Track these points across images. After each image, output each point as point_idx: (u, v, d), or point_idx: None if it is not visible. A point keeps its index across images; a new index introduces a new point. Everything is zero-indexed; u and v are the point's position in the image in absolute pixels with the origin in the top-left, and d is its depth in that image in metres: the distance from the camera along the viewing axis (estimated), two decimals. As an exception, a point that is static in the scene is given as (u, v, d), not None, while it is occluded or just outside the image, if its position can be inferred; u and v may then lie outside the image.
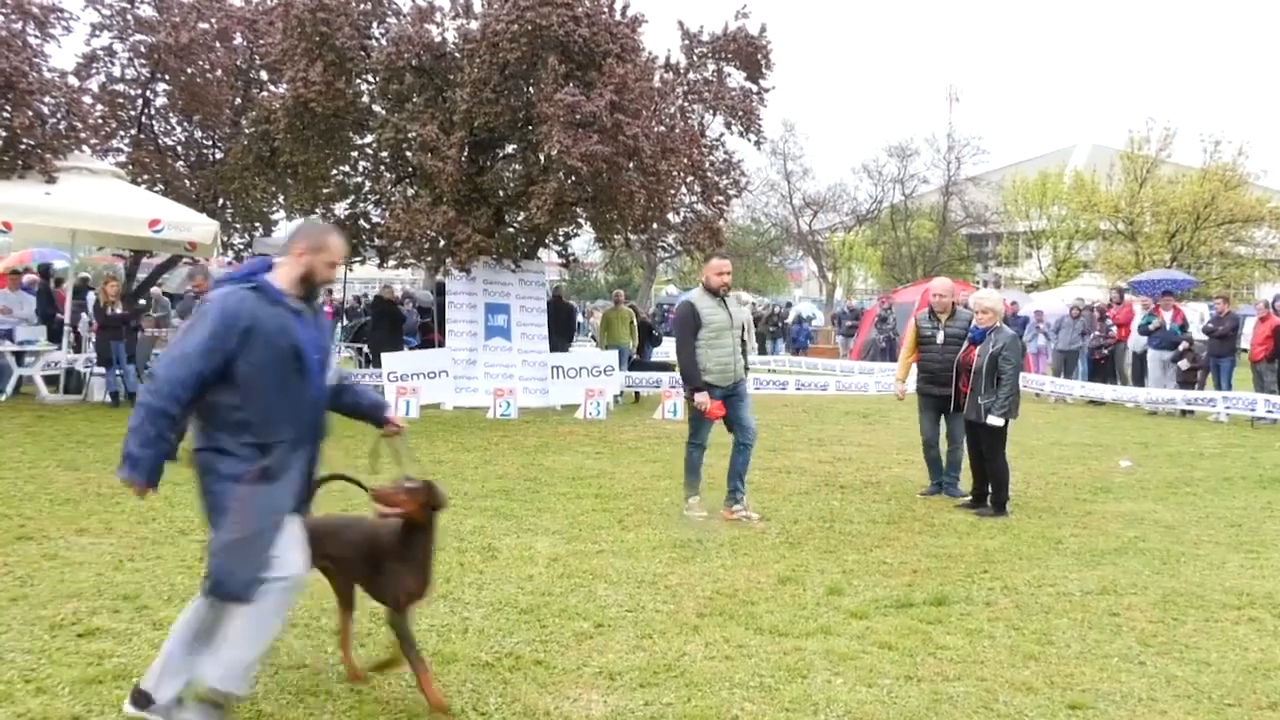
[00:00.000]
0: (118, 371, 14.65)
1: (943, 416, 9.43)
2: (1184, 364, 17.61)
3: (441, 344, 16.60)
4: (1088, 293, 29.34)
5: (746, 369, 8.63)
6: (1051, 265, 43.50)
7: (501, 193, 15.76)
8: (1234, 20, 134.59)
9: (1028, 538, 7.77)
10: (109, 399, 14.50)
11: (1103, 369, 20.05)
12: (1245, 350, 18.60)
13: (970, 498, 9.00)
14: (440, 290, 17.24)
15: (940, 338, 9.32)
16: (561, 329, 17.72)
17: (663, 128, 15.30)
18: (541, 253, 17.84)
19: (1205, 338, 18.48)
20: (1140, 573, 6.78)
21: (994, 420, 8.56)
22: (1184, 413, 16.98)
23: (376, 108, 15.87)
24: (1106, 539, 7.78)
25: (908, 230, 46.47)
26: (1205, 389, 17.54)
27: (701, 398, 8.09)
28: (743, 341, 8.52)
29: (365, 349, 19.96)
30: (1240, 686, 4.81)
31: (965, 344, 9.00)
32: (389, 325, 18.60)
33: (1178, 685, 4.81)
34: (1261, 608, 6.05)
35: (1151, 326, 18.11)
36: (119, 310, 15.03)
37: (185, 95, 16.78)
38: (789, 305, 43.70)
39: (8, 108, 14.27)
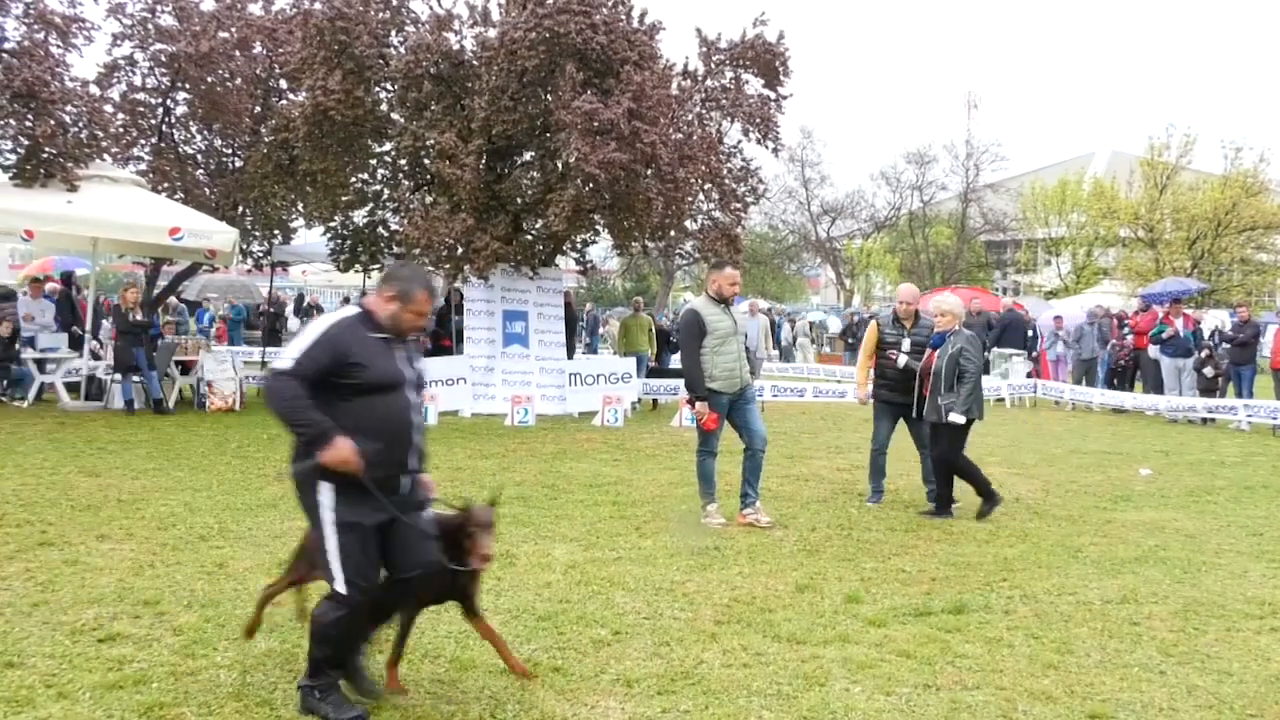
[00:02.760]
0: (136, 379, 14.68)
1: (903, 422, 9.32)
2: (1209, 370, 17.49)
3: (455, 350, 16.67)
4: (1108, 300, 29.21)
5: (754, 375, 8.61)
6: (1071, 272, 43.36)
7: (519, 200, 15.79)
8: (1254, 26, 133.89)
9: (1047, 546, 7.72)
10: (125, 406, 14.52)
11: (1122, 376, 19.96)
12: (1268, 357, 18.48)
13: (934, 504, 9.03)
14: (449, 298, 17.28)
15: (906, 345, 9.19)
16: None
17: (680, 135, 15.30)
18: (559, 260, 17.86)
19: (1226, 345, 18.37)
20: (1161, 582, 6.73)
21: (955, 418, 8.56)
22: (1205, 421, 16.88)
23: (395, 116, 15.94)
24: (1127, 547, 7.73)
25: (926, 237, 46.44)
26: (1226, 397, 17.42)
27: (701, 407, 8.11)
28: (746, 350, 8.54)
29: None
30: (1262, 697, 4.77)
31: (926, 351, 8.93)
32: None
33: (1199, 695, 4.78)
34: (1284, 617, 6.00)
35: (1165, 336, 17.99)
36: (139, 317, 15.11)
37: (205, 104, 16.87)
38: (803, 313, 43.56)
39: (30, 117, 14.39)
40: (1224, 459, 12.83)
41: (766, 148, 16.88)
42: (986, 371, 21.54)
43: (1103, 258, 42.95)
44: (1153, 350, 18.41)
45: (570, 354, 17.64)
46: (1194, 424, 16.87)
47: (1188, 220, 36.53)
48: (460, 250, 15.21)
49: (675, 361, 21.68)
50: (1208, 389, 17.51)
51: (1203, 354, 17.63)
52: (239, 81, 17.09)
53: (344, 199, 16.68)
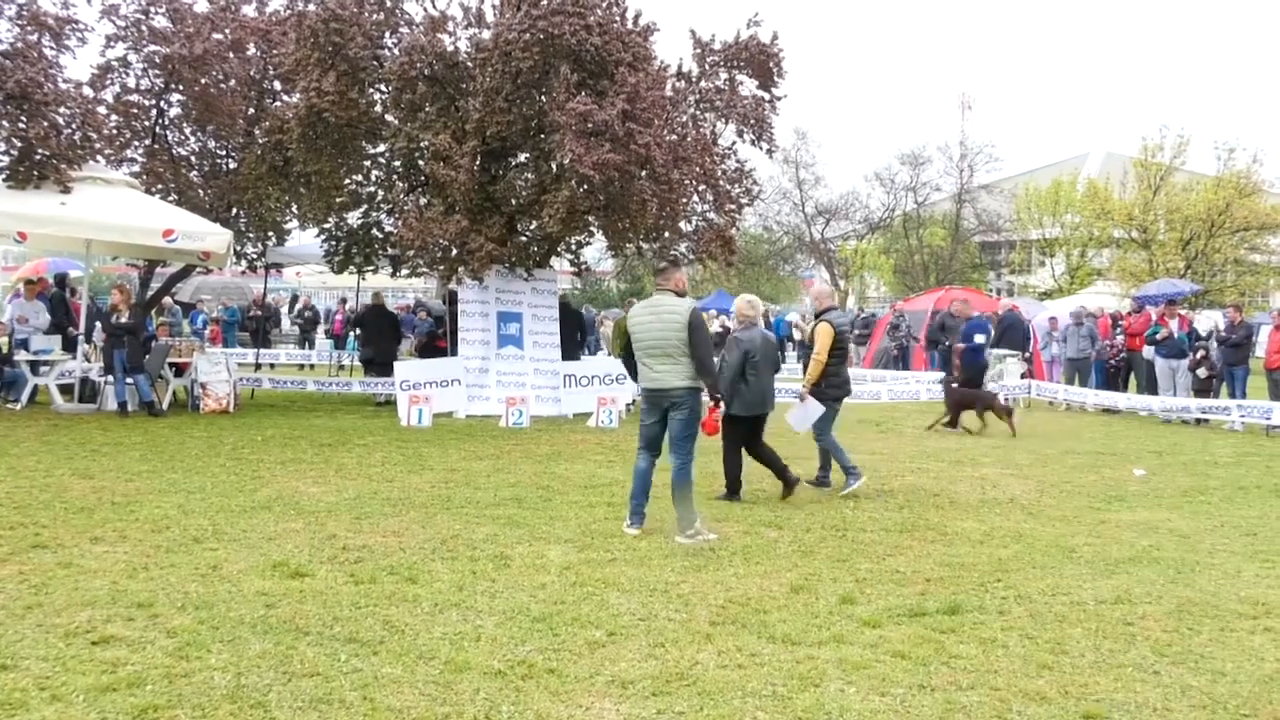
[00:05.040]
0: (128, 381, 14.63)
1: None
2: (1202, 371, 17.52)
3: (452, 352, 16.66)
4: (1102, 300, 29.24)
5: None
6: (1065, 273, 43.40)
7: (514, 201, 15.78)
8: (1247, 27, 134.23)
9: (1041, 546, 7.73)
10: (119, 409, 14.46)
11: (1114, 377, 19.98)
12: (1261, 358, 18.52)
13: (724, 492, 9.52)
14: (452, 299, 17.28)
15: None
16: (568, 336, 17.63)
17: (675, 136, 15.30)
18: (554, 261, 17.86)
19: (1217, 345, 18.39)
20: (1155, 582, 6.74)
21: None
22: (1198, 421, 16.90)
23: (389, 117, 15.92)
24: (1121, 548, 7.74)
25: (920, 238, 46.45)
26: (1220, 397, 17.45)
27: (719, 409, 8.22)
28: None
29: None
30: (1256, 696, 4.78)
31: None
32: (391, 333, 18.69)
33: (1193, 695, 4.78)
34: (1277, 617, 6.00)
35: (1159, 337, 18.02)
36: (124, 319, 15.06)
37: (199, 105, 16.84)
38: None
39: (23, 118, 14.36)
40: (1217, 459, 12.85)
41: (761, 149, 16.88)
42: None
43: (1097, 259, 42.98)
44: (1147, 351, 18.44)
45: (578, 356, 17.67)
46: (1187, 424, 16.90)
47: (1181, 221, 36.60)
48: (455, 252, 15.21)
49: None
50: (1201, 390, 17.53)
51: (1197, 355, 17.66)
52: (233, 83, 17.07)
53: (338, 200, 16.67)
